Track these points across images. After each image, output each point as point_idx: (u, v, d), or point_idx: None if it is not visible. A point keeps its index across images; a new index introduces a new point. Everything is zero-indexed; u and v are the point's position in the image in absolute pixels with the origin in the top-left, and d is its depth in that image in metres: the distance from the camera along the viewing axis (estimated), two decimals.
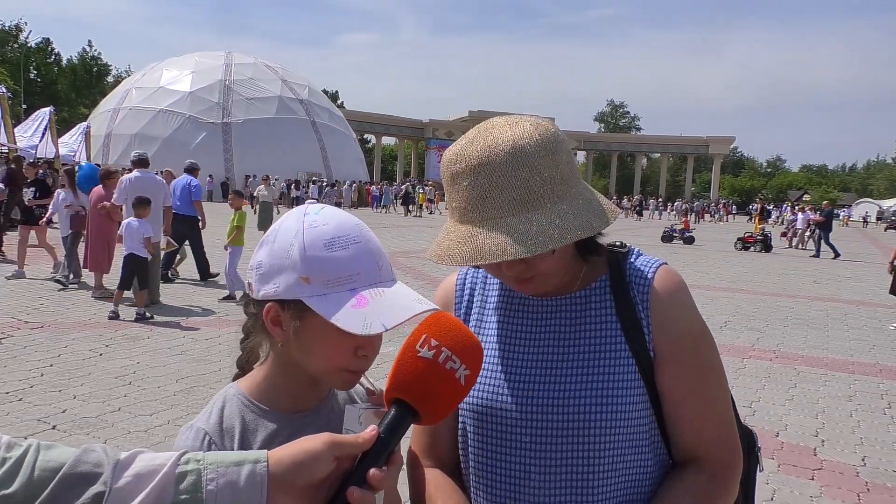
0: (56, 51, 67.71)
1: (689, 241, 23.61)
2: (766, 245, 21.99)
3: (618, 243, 1.20)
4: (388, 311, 0.92)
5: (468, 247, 1.00)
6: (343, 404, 1.09)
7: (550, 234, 0.98)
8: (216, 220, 22.41)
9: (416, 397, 0.79)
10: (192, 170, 10.70)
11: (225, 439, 1.01)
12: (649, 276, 1.13)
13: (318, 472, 0.74)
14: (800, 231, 24.78)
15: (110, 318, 7.44)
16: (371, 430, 0.77)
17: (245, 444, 1.01)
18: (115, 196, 8.55)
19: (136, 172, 8.76)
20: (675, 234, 24.11)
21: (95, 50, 71.34)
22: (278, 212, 13.55)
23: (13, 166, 14.03)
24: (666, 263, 1.16)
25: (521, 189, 0.99)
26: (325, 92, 58.48)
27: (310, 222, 0.97)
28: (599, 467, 1.09)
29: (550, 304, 1.17)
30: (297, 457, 0.74)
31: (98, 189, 8.89)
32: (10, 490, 0.68)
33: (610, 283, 1.14)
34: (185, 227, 10.08)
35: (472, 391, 1.15)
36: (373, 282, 0.96)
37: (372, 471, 0.74)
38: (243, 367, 1.12)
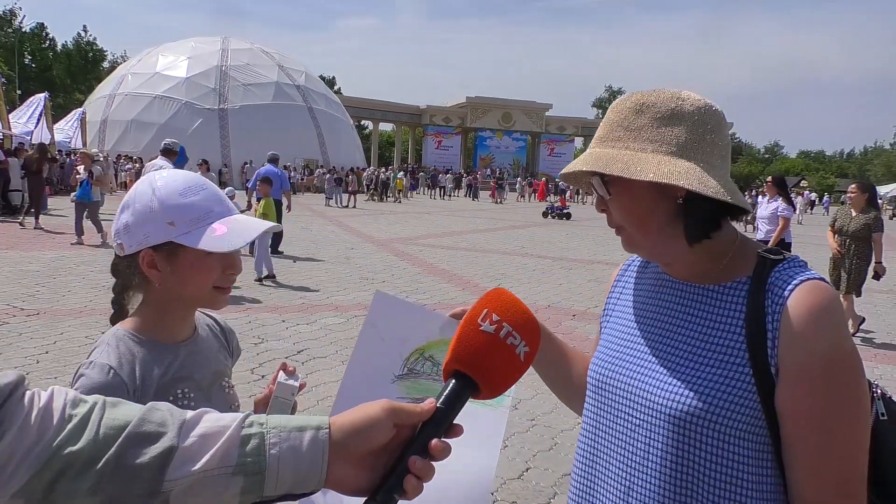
0: (51, 36, 67.39)
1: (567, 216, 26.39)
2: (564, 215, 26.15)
3: (775, 250, 1.12)
4: (242, 232, 1.21)
5: (570, 165, 1.13)
6: (207, 333, 1.38)
7: (626, 164, 1.04)
8: None
9: (477, 370, 0.79)
10: (274, 160, 11.77)
11: (125, 371, 1.18)
12: (789, 287, 1.03)
13: (377, 439, 0.74)
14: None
15: None
16: (430, 401, 0.77)
17: (144, 374, 1.20)
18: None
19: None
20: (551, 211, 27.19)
21: (91, 35, 71.11)
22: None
23: (35, 154, 14.66)
24: (822, 279, 1.04)
25: (648, 130, 1.07)
26: (323, 78, 58.14)
27: (161, 182, 1.22)
28: (694, 472, 1.06)
29: (686, 290, 1.15)
30: (358, 423, 0.74)
31: None
32: (76, 447, 0.69)
33: (749, 287, 1.07)
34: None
35: (593, 361, 1.24)
36: (224, 214, 1.23)
37: (434, 441, 0.74)
38: (116, 321, 1.31)
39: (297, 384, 1.38)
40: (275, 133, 38.54)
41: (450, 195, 38.20)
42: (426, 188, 43.64)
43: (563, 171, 1.19)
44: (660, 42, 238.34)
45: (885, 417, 1.12)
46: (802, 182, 74.13)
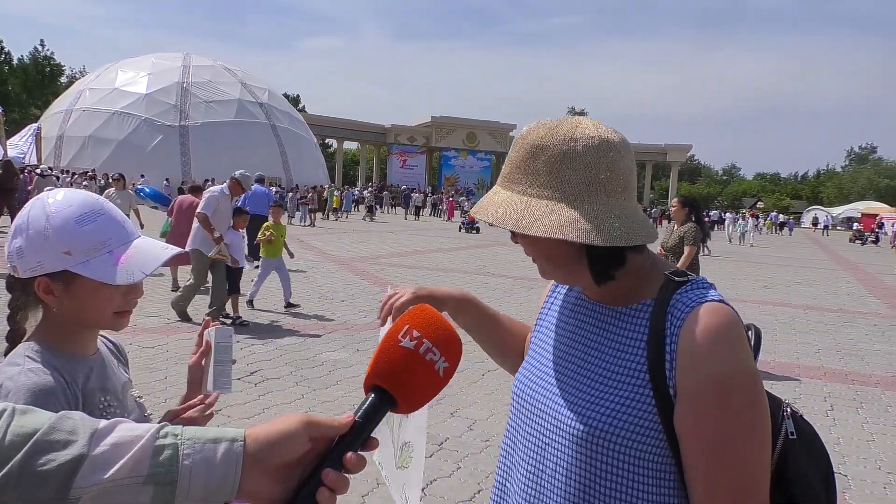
0: (6, 49, 65.75)
1: None
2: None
3: (681, 272, 1.12)
4: (144, 261, 1.18)
5: (480, 203, 1.16)
6: (106, 349, 1.36)
7: (520, 216, 1.07)
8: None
9: (395, 385, 0.80)
10: (260, 180, 12.99)
11: (56, 374, 1.15)
12: (687, 309, 1.04)
13: (293, 451, 0.74)
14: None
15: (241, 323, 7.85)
16: (347, 416, 0.78)
17: (73, 379, 1.18)
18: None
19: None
20: None
21: (48, 50, 69.35)
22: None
23: (1, 171, 14.24)
24: (721, 301, 1.05)
25: (544, 174, 1.07)
26: (287, 96, 57.94)
27: (55, 207, 1.15)
28: (597, 491, 1.06)
29: (598, 311, 1.17)
30: (273, 436, 0.74)
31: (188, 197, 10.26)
32: None
33: (652, 309, 1.08)
34: (259, 224, 10.82)
35: (516, 377, 1.27)
36: (123, 241, 1.19)
37: (349, 454, 0.75)
38: (13, 340, 1.25)
39: (231, 328, 1.42)
40: (237, 150, 38.18)
41: (418, 215, 38.08)
42: (392, 207, 43.49)
43: (472, 212, 1.20)
44: (620, 65, 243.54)
45: (795, 436, 1.13)
46: (759, 203, 76.07)
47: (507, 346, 1.48)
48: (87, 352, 1.27)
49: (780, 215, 55.26)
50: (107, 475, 0.70)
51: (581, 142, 1.06)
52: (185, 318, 7.97)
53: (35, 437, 0.71)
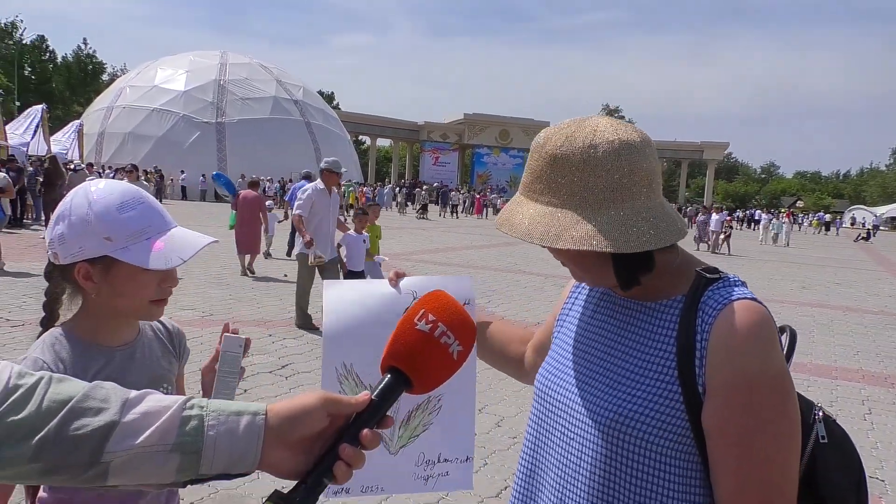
0: (51, 48, 67.58)
1: None
2: None
3: (713, 269, 1.11)
4: (181, 248, 1.21)
5: (503, 215, 1.14)
6: (151, 338, 1.38)
7: (546, 229, 1.05)
8: (208, 219, 22.42)
9: (410, 367, 0.83)
10: (308, 176, 13.27)
11: (56, 369, 1.19)
12: (719, 306, 1.03)
13: (311, 426, 0.78)
14: (714, 233, 23.19)
15: None
16: (364, 394, 0.81)
17: (76, 374, 1.16)
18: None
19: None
20: None
21: (90, 48, 71.31)
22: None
23: (49, 166, 14.91)
24: (753, 299, 1.04)
25: (566, 185, 1.06)
26: (321, 93, 58.48)
27: (98, 195, 1.20)
28: (622, 486, 1.06)
29: (627, 306, 1.17)
30: (293, 411, 0.78)
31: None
32: (19, 417, 0.73)
33: (683, 305, 1.08)
34: None
35: (539, 371, 1.27)
36: (162, 229, 1.22)
37: (364, 430, 0.78)
38: (47, 326, 1.30)
39: (243, 338, 1.41)
40: (272, 147, 38.65)
41: (455, 213, 37.85)
42: (430, 206, 43.45)
43: (496, 225, 1.19)
44: (655, 61, 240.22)
45: (826, 441, 1.11)
46: (798, 202, 74.49)
47: (506, 351, 1.49)
48: (114, 341, 1.30)
49: (827, 215, 54.39)
50: (137, 441, 0.74)
51: (601, 147, 1.05)
52: (306, 324, 7.59)
53: (70, 403, 0.75)
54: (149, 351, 1.37)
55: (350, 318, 1.30)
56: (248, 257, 11.27)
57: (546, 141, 1.10)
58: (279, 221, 13.33)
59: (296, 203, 7.52)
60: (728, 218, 24.42)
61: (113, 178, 28.20)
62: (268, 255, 13.14)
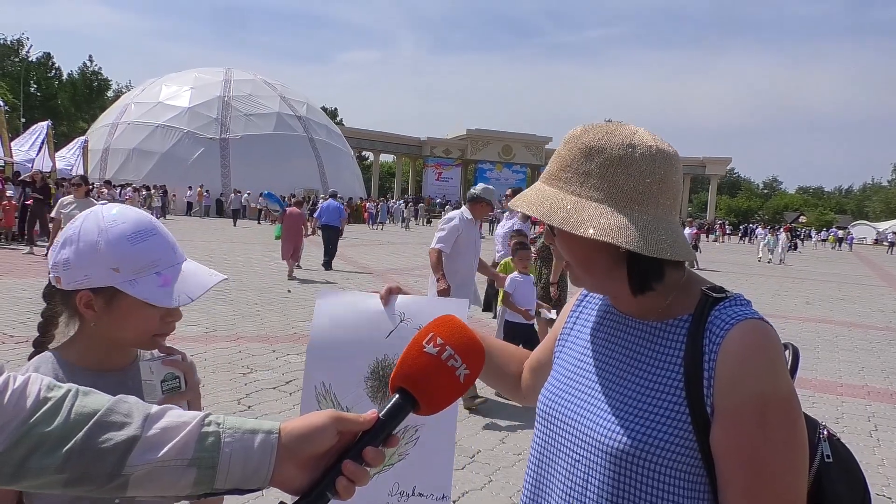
0: (57, 65, 68.02)
1: None
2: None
3: (718, 287, 1.10)
4: (191, 286, 1.16)
5: (521, 196, 1.13)
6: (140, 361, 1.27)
7: (567, 213, 1.04)
8: (210, 234, 22.46)
9: (418, 388, 0.85)
10: (334, 195, 16.17)
11: None
12: (726, 327, 1.02)
13: (321, 444, 0.80)
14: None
15: None
16: (372, 413, 0.83)
17: None
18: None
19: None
20: None
21: (96, 65, 71.47)
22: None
23: (40, 184, 15.27)
24: (760, 319, 1.04)
25: (596, 176, 1.06)
26: (325, 109, 58.70)
27: (109, 222, 1.15)
28: None
29: (631, 325, 1.16)
30: (305, 430, 0.81)
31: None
32: (49, 428, 0.77)
33: (689, 325, 1.07)
34: (331, 233, 15.18)
35: (542, 392, 1.26)
36: (172, 263, 1.18)
37: (368, 448, 0.80)
38: (40, 347, 1.25)
39: (158, 362, 1.17)
40: (275, 163, 38.78)
41: None
42: (427, 222, 43.55)
43: (512, 204, 1.18)
44: (657, 77, 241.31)
45: (831, 460, 1.11)
46: (801, 218, 74.35)
47: (504, 370, 1.46)
48: (105, 366, 1.22)
49: (840, 231, 55.67)
50: (157, 456, 0.77)
51: (639, 149, 1.06)
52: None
53: (95, 417, 0.78)
54: (139, 378, 1.24)
55: (332, 338, 1.24)
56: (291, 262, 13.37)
57: (584, 133, 1.10)
58: (306, 236, 14.41)
59: (437, 234, 6.03)
60: (696, 232, 25.55)
61: (120, 196, 28.30)
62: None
